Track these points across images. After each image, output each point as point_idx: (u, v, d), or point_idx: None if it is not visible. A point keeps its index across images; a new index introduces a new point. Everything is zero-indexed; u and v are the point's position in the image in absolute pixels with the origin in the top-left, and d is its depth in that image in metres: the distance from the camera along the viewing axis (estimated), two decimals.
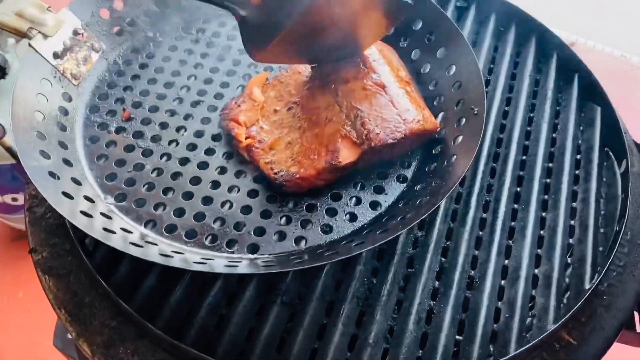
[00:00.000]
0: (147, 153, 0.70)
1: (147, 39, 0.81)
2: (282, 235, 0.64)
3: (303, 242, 0.64)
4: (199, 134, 0.72)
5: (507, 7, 0.89)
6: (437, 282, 0.64)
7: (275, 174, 0.66)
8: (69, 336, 1.13)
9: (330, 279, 0.63)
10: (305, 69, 0.73)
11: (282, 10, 0.61)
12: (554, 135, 0.79)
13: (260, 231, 0.65)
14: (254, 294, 0.61)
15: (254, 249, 0.63)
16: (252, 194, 0.67)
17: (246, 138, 0.69)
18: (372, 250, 0.65)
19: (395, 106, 0.68)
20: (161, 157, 0.70)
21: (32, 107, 0.67)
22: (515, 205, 0.71)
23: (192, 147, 0.71)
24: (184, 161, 0.69)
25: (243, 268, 0.59)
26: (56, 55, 0.70)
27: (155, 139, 0.71)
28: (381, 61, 0.71)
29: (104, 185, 0.67)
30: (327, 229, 0.65)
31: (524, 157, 0.76)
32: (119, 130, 0.72)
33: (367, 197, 0.68)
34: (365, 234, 0.64)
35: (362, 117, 0.66)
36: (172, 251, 0.61)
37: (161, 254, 0.58)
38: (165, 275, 0.62)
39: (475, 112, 0.68)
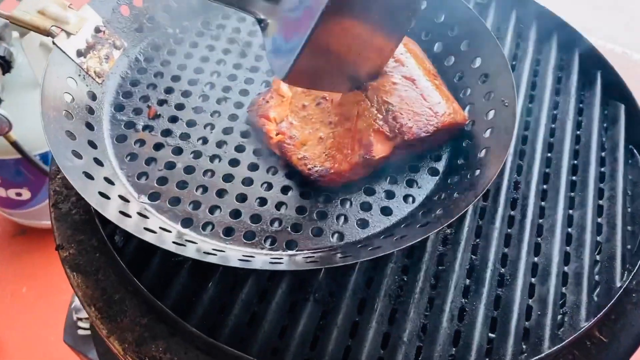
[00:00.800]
0: (176, 151, 0.70)
1: (167, 36, 0.81)
2: (319, 231, 0.64)
3: (340, 237, 0.64)
4: (227, 131, 0.72)
5: (528, 3, 0.89)
6: (468, 280, 0.64)
7: (309, 169, 0.65)
8: (79, 333, 1.13)
9: (362, 276, 0.63)
10: None
11: (300, 20, 0.59)
12: (578, 132, 0.79)
13: (296, 227, 0.64)
14: (286, 291, 0.61)
15: (292, 245, 0.63)
16: (286, 190, 0.67)
17: (277, 134, 0.68)
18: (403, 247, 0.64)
19: (425, 99, 0.68)
20: (191, 154, 0.69)
21: (60, 106, 0.66)
22: (543, 203, 0.71)
23: (222, 144, 0.71)
24: (214, 158, 0.69)
25: (286, 265, 0.59)
26: (80, 53, 0.70)
27: (184, 136, 0.71)
28: (408, 54, 0.71)
29: (136, 184, 0.66)
30: (363, 224, 0.65)
31: (550, 155, 0.76)
32: (146, 128, 0.71)
33: (401, 191, 0.68)
34: (403, 227, 0.63)
35: (394, 111, 0.66)
36: (212, 249, 0.60)
37: (204, 252, 0.58)
38: (196, 272, 0.61)
39: (506, 104, 0.68)
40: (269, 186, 0.67)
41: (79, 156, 0.63)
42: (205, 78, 0.77)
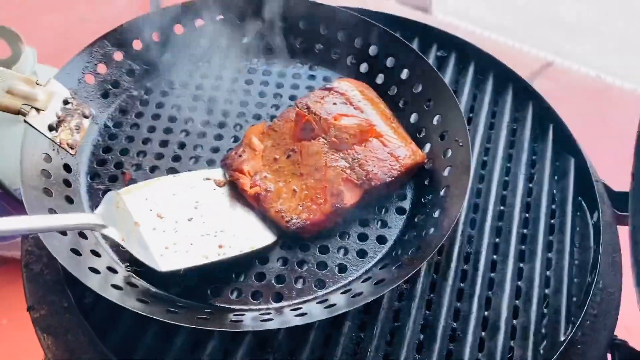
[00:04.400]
0: None
1: (133, 99, 0.83)
2: (304, 281, 0.68)
3: (322, 284, 0.68)
4: None
5: (486, 57, 0.93)
6: (421, 336, 0.67)
7: (287, 222, 0.70)
8: None
9: (320, 333, 0.66)
10: (294, 119, 0.76)
11: None
12: (530, 185, 0.83)
13: (281, 279, 0.68)
14: (246, 351, 0.64)
15: (278, 297, 0.67)
16: None
17: (251, 187, 0.72)
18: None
19: (386, 145, 0.74)
20: None
21: (39, 185, 0.68)
22: (495, 257, 0.75)
23: None
24: None
25: (276, 322, 0.62)
26: (51, 128, 0.71)
27: None
28: (365, 102, 0.78)
29: (119, 252, 0.69)
30: (341, 269, 0.70)
31: (502, 208, 0.80)
32: None
33: (374, 233, 0.73)
34: (379, 270, 0.68)
35: (359, 159, 0.72)
36: (205, 311, 0.64)
37: (198, 318, 0.61)
38: (161, 332, 0.64)
39: (460, 144, 0.73)
40: None
41: (64, 233, 0.65)
42: (175, 138, 0.80)
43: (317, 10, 0.87)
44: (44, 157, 0.71)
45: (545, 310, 0.71)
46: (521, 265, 0.74)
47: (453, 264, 0.72)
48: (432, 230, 0.69)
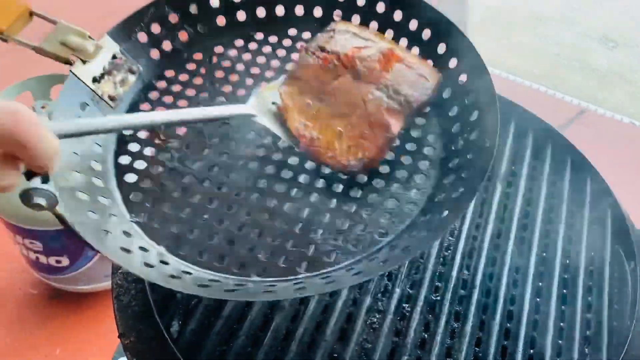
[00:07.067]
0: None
1: (183, 61, 0.85)
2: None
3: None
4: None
5: (507, 104, 1.02)
6: None
7: (345, 165, 0.70)
8: None
9: None
10: (315, 62, 0.76)
11: None
12: (570, 233, 0.89)
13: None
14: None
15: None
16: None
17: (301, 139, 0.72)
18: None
19: (411, 67, 0.74)
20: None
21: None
22: (538, 299, 0.81)
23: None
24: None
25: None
26: (95, 80, 0.73)
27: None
28: (369, 34, 0.78)
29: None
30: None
31: (545, 254, 0.86)
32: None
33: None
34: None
35: (392, 85, 0.73)
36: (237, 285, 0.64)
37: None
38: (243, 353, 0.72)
39: (488, 145, 0.71)
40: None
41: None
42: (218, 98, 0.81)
43: None
44: (80, 105, 0.72)
45: (586, 350, 0.77)
46: (563, 307, 0.81)
47: (500, 306, 0.79)
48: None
